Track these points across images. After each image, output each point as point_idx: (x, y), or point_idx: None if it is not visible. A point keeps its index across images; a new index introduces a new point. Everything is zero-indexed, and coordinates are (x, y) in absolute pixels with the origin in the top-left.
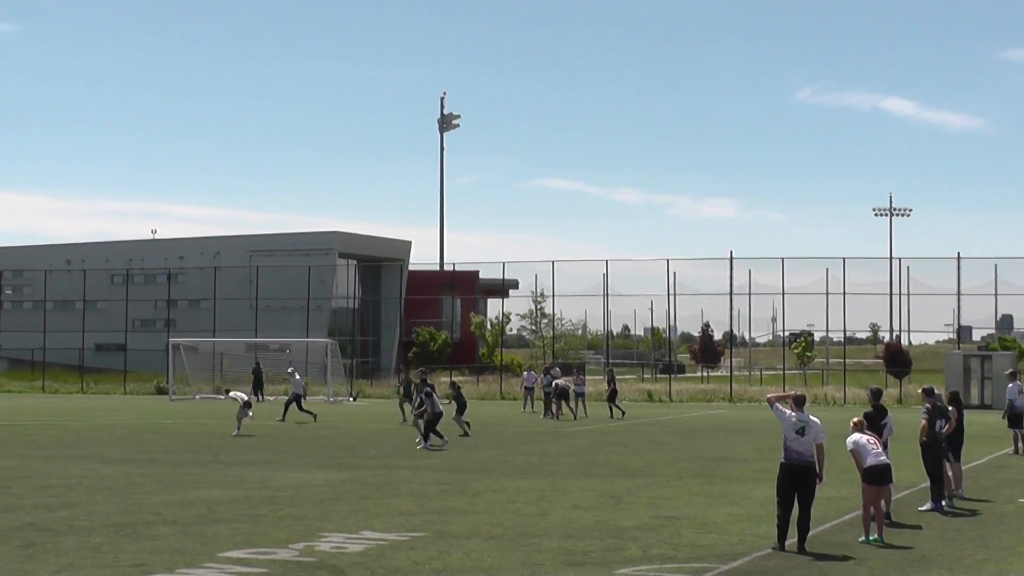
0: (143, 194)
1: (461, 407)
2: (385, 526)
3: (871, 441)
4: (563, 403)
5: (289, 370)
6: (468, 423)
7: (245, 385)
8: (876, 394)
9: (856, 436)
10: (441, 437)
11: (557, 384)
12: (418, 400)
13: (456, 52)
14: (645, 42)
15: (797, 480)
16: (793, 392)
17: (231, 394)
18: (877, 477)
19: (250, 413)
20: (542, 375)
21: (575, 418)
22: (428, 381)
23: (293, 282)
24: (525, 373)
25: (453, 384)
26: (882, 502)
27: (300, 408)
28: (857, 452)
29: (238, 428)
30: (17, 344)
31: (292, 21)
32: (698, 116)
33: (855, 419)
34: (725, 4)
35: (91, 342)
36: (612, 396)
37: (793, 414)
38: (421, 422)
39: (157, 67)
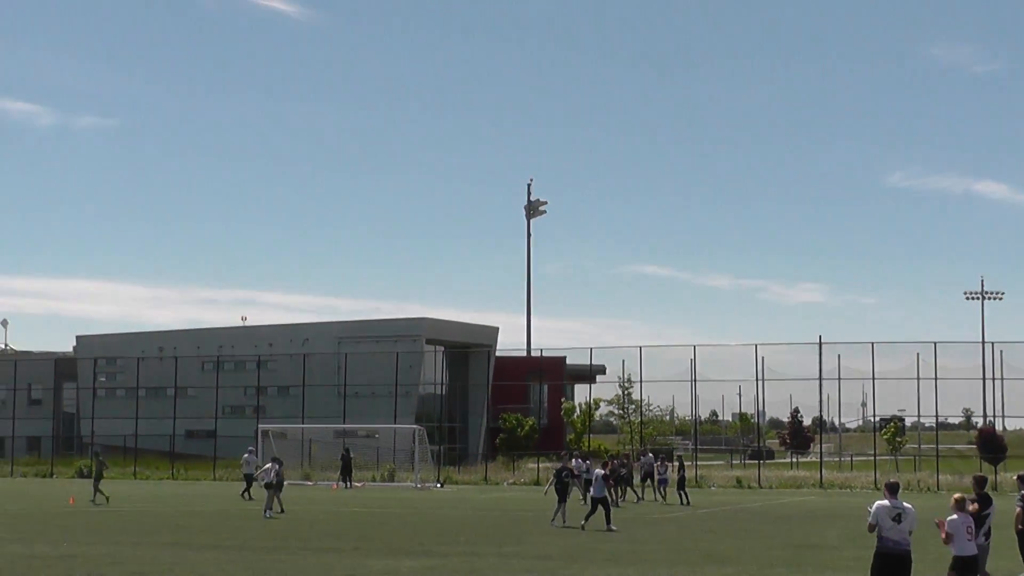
0: (234, 282)
1: (279, 484)
2: None
3: (968, 528)
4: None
5: (250, 450)
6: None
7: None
8: (980, 483)
9: (955, 517)
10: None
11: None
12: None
13: (543, 139)
14: (735, 130)
15: (893, 569)
16: (888, 480)
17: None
18: (962, 568)
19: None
20: (581, 462)
21: (618, 504)
22: (568, 467)
23: (381, 369)
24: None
25: (274, 459)
26: None
27: (246, 488)
28: (952, 535)
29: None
30: (110, 431)
31: (377, 110)
32: (790, 202)
33: (956, 496)
34: (813, 91)
35: (182, 428)
36: (681, 483)
37: (888, 502)
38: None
39: (247, 159)
